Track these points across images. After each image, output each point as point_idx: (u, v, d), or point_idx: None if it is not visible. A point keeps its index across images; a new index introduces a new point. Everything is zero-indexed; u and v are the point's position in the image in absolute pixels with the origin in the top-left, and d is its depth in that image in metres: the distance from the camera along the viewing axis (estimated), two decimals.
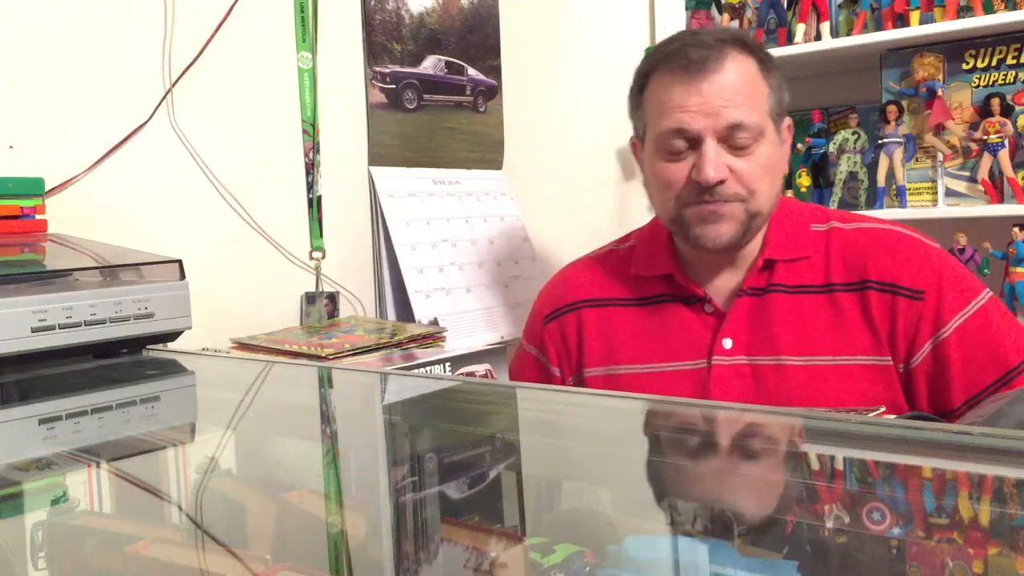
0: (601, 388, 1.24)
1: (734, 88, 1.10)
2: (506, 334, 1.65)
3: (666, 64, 1.14)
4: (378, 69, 1.59)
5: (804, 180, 2.08)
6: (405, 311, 1.57)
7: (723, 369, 1.16)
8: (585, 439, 0.76)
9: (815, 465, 0.65)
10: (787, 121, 1.19)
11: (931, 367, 1.10)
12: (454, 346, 1.47)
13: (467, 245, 1.68)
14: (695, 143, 1.11)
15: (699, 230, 1.13)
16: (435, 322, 1.53)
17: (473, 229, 1.70)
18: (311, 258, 1.49)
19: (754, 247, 1.18)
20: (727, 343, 1.16)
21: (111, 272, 1.01)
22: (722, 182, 1.10)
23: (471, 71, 1.77)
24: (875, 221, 1.19)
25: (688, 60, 1.11)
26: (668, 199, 1.16)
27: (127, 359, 0.99)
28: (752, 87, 1.12)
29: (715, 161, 1.10)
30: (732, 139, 1.10)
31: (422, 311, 1.53)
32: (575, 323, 1.28)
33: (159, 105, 1.27)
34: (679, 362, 1.19)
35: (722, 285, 1.20)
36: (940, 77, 1.90)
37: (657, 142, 1.15)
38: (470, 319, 1.61)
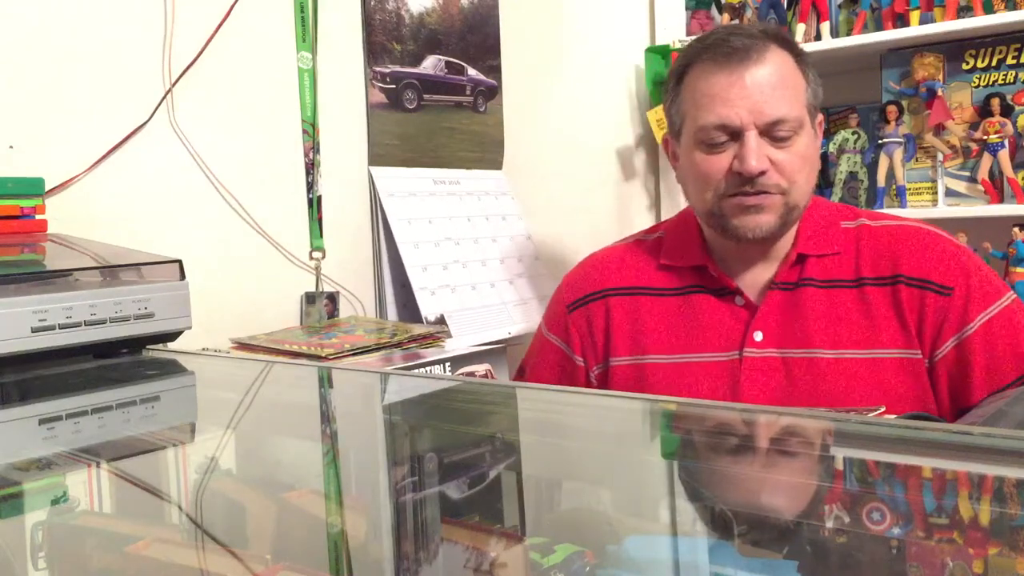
0: (628, 378, 1.24)
1: (775, 81, 1.11)
2: (513, 330, 1.64)
3: (708, 54, 1.14)
4: (378, 69, 1.59)
5: None
6: (407, 310, 1.57)
7: (754, 361, 1.16)
8: (585, 439, 0.76)
9: (815, 465, 0.65)
10: (819, 117, 1.20)
11: (953, 363, 1.11)
12: (461, 343, 1.47)
13: (470, 244, 1.68)
14: (736, 135, 1.12)
15: (738, 221, 1.14)
16: (441, 319, 1.53)
17: (475, 228, 1.70)
18: (311, 258, 1.49)
19: (786, 242, 1.19)
20: (758, 336, 1.16)
21: (111, 272, 1.01)
22: (763, 173, 1.11)
23: (471, 71, 1.77)
24: (904, 219, 1.21)
25: (731, 48, 1.12)
26: (706, 191, 1.16)
27: (127, 359, 0.99)
28: (792, 80, 1.13)
29: (757, 152, 1.10)
30: (773, 132, 1.11)
31: (428, 308, 1.53)
32: (603, 311, 1.27)
33: (159, 105, 1.27)
34: (709, 353, 1.19)
35: (753, 278, 1.20)
36: (940, 77, 1.90)
37: (697, 135, 1.15)
38: (476, 315, 1.61)
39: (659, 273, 1.26)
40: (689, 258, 1.23)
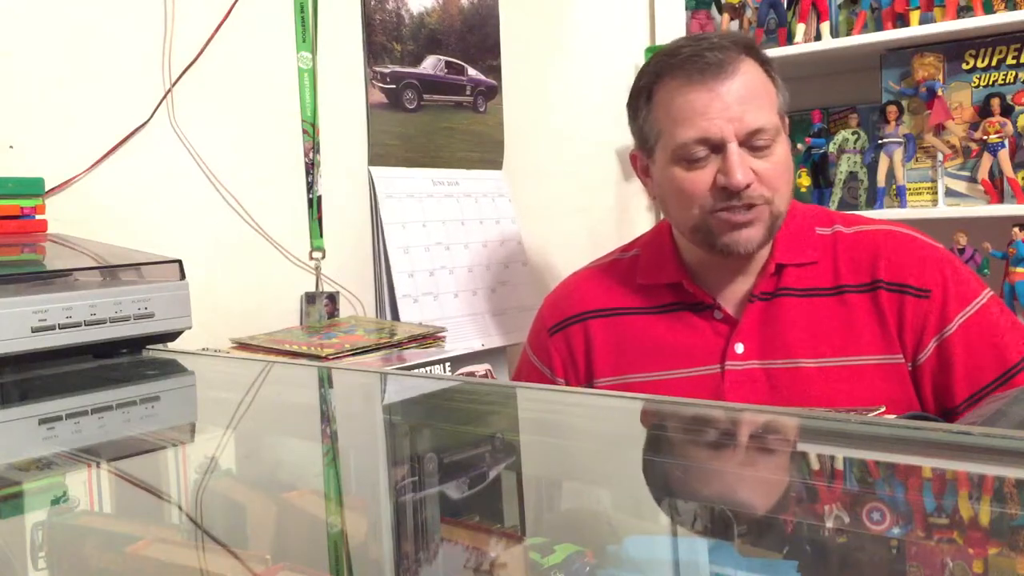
0: None
1: (751, 92, 1.11)
2: (487, 343, 1.65)
3: (681, 69, 1.12)
4: (378, 69, 1.59)
5: (804, 180, 2.08)
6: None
7: (736, 374, 1.16)
8: (585, 439, 0.76)
9: (815, 465, 0.65)
10: (785, 120, 1.21)
11: (935, 364, 1.11)
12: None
13: (460, 248, 1.68)
14: (717, 148, 1.11)
15: (728, 237, 1.13)
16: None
17: (468, 232, 1.70)
18: (311, 258, 1.49)
19: (764, 252, 1.18)
20: (739, 348, 1.17)
21: (111, 272, 1.01)
22: (749, 185, 1.10)
23: (471, 71, 1.77)
24: (877, 223, 1.21)
25: (706, 64, 1.10)
26: (691, 208, 1.14)
27: (127, 359, 0.99)
28: (764, 89, 1.14)
29: (742, 165, 1.10)
30: (752, 142, 1.11)
31: (408, 316, 1.53)
32: (582, 334, 1.28)
33: (159, 105, 1.27)
34: (692, 368, 1.19)
35: (731, 291, 1.20)
36: (940, 77, 1.90)
37: (676, 152, 1.13)
38: (454, 325, 1.61)
39: (637, 292, 1.26)
40: (665, 275, 1.23)
